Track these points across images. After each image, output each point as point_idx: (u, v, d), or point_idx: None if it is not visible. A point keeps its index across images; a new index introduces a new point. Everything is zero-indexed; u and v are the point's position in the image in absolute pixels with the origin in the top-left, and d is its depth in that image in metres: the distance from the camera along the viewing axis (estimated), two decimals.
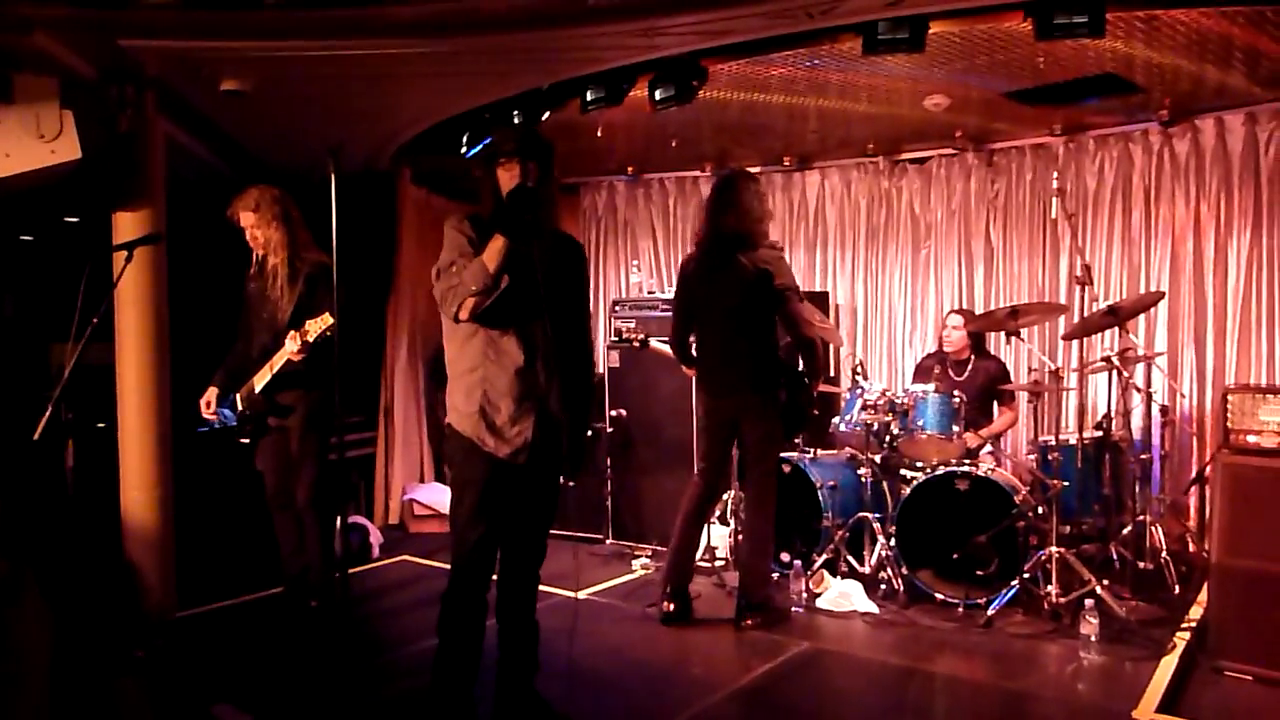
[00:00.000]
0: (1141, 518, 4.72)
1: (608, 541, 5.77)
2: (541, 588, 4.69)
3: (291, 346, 3.88)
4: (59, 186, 4.27)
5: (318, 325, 3.81)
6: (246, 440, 4.17)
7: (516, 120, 4.83)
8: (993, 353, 5.51)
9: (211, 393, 4.16)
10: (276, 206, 4.06)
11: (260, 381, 4.05)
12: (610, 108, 4.57)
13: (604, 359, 5.90)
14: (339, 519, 3.39)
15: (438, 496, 6.32)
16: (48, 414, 3.26)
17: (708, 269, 4.24)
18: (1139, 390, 4.94)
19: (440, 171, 6.67)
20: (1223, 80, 4.86)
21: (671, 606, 4.31)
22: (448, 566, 4.51)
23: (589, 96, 4.52)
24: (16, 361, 5.49)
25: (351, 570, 4.02)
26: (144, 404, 4.28)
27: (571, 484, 3.07)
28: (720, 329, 4.23)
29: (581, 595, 4.70)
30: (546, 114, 4.80)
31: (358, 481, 6.32)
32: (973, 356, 5.30)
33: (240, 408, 4.15)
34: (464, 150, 5.34)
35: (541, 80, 4.64)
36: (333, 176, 2.37)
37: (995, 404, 5.29)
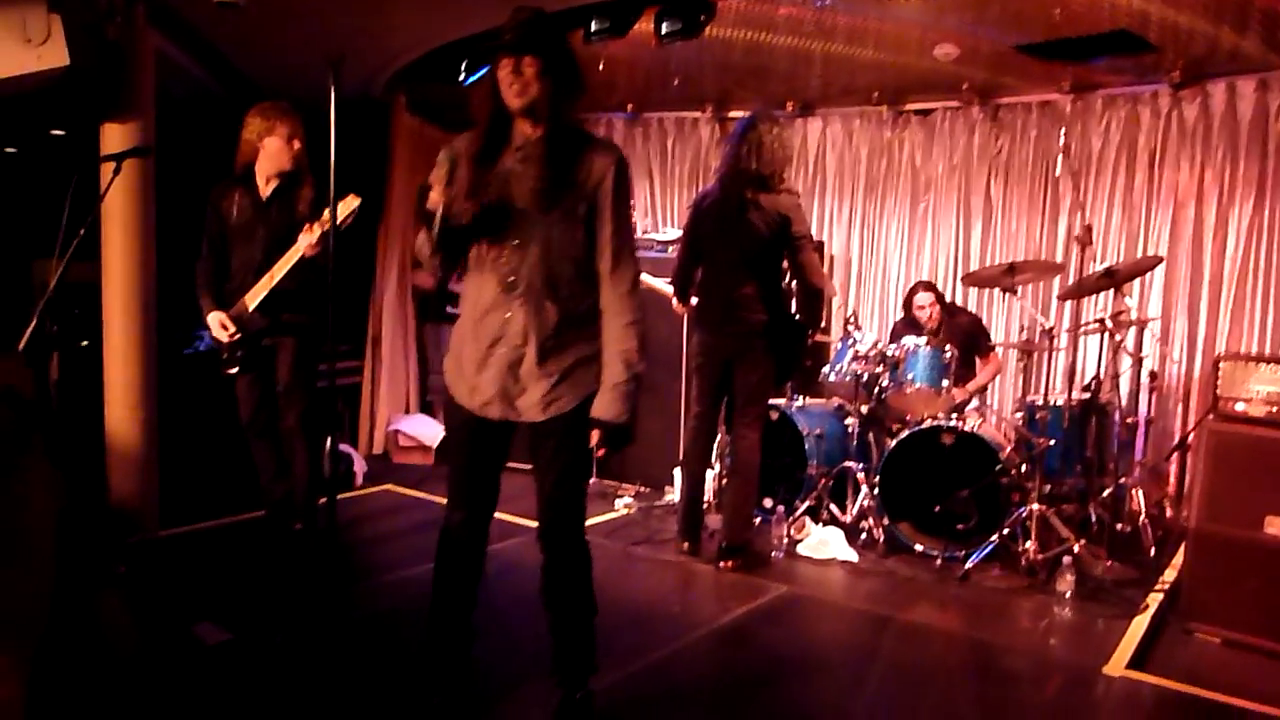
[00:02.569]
0: (1123, 480, 4.76)
1: (592, 480, 5.77)
2: (522, 522, 4.78)
3: (307, 240, 3.76)
4: (44, 97, 4.15)
5: (343, 208, 3.61)
6: (235, 370, 4.03)
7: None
8: (963, 309, 5.49)
9: (220, 316, 3.96)
10: (300, 127, 3.97)
11: (255, 298, 3.92)
12: (614, 39, 4.47)
13: None
14: (328, 444, 3.32)
15: (422, 428, 6.32)
16: (32, 326, 3.20)
17: (724, 208, 4.18)
18: (1129, 354, 4.94)
19: (436, 100, 6.54)
20: (1238, 43, 4.78)
21: (686, 545, 4.43)
22: (430, 497, 4.52)
23: (593, 27, 4.41)
24: (1, 277, 5.41)
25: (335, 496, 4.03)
26: (129, 322, 4.22)
27: (603, 452, 2.50)
28: (729, 269, 4.20)
29: None
30: None
31: (343, 410, 6.30)
32: (944, 318, 5.27)
33: (227, 332, 3.98)
34: (462, 78, 5.23)
35: (545, 6, 4.51)
36: (333, 89, 2.29)
37: (976, 358, 5.29)
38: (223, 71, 5.45)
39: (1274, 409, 3.59)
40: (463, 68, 5.18)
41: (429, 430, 6.33)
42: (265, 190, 4.01)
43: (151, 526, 4.34)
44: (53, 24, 3.86)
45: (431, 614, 2.70)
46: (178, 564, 4.12)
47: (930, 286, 5.43)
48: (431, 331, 6.75)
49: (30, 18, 3.85)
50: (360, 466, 5.69)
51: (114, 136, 4.14)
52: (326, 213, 3.65)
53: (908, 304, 5.44)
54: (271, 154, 3.95)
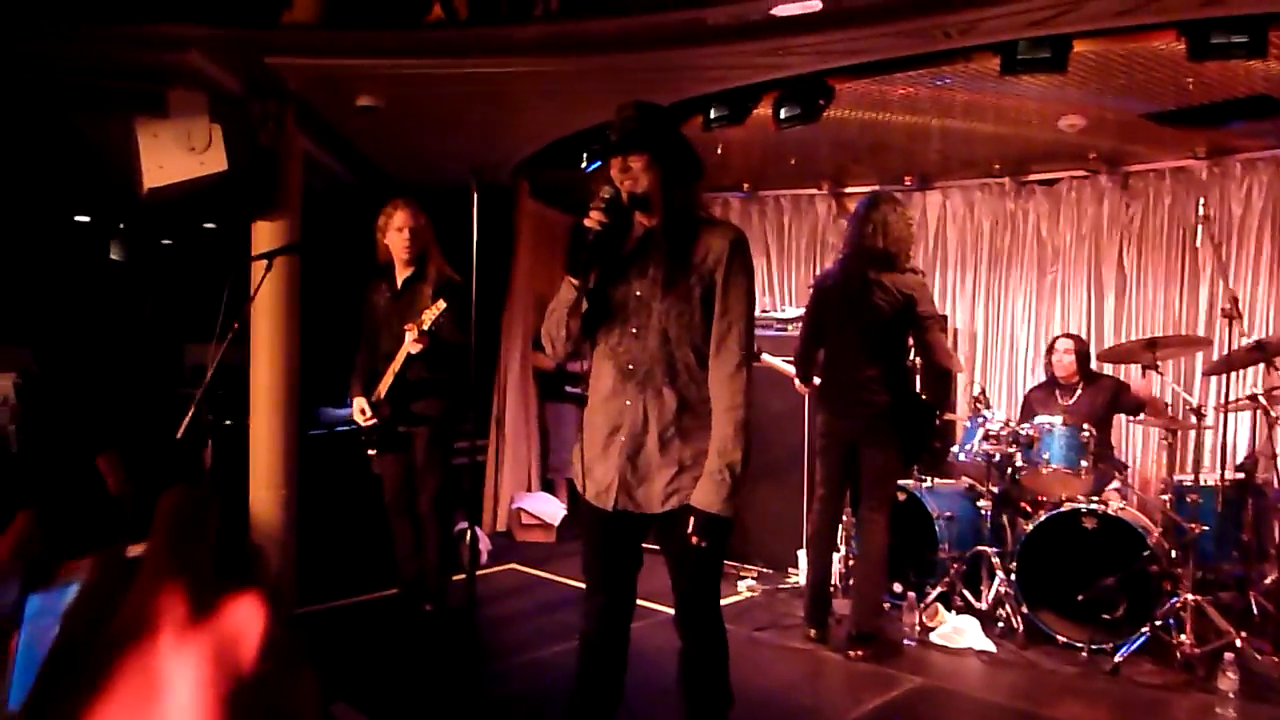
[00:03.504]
0: None
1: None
2: (649, 605, 4.73)
3: (410, 338, 3.93)
4: (199, 196, 4.49)
5: (431, 313, 3.88)
6: (374, 451, 4.22)
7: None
8: (1102, 373, 5.27)
9: (361, 402, 4.17)
10: (428, 223, 4.19)
11: (384, 387, 4.13)
12: (733, 126, 4.55)
13: None
14: (468, 527, 3.41)
15: (545, 506, 6.39)
16: (190, 413, 3.41)
17: (847, 287, 4.16)
18: None
19: (556, 184, 6.77)
20: None
21: (814, 632, 4.32)
22: (554, 576, 4.55)
23: (712, 115, 4.51)
24: (155, 361, 5.80)
25: (463, 577, 4.10)
26: (275, 407, 4.45)
27: (701, 544, 2.40)
28: (852, 349, 4.16)
29: None
30: None
31: (468, 489, 6.43)
32: (1081, 382, 5.08)
33: (364, 416, 4.18)
34: (584, 166, 5.40)
35: (664, 98, 4.63)
36: (475, 194, 2.40)
37: (1122, 418, 5.03)
38: (362, 167, 5.79)
39: None
40: (585, 156, 5.35)
41: (551, 508, 6.40)
42: (399, 282, 4.22)
43: (289, 604, 4.49)
44: (214, 133, 4.20)
45: (573, 702, 2.68)
46: (313, 642, 4.24)
47: (1075, 337, 5.27)
48: (552, 410, 6.88)
49: (194, 127, 4.19)
50: (485, 545, 5.78)
51: (264, 233, 4.43)
52: (425, 313, 3.90)
53: (1049, 356, 5.28)
54: (392, 245, 4.17)
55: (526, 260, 6.57)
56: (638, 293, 2.45)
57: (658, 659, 3.95)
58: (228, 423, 4.91)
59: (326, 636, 4.32)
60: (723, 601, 5.00)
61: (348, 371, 4.36)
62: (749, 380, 2.45)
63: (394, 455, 4.23)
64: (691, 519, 2.39)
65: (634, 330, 2.45)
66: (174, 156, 4.20)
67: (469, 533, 3.53)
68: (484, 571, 5.48)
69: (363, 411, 4.17)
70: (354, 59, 4.04)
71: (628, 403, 2.46)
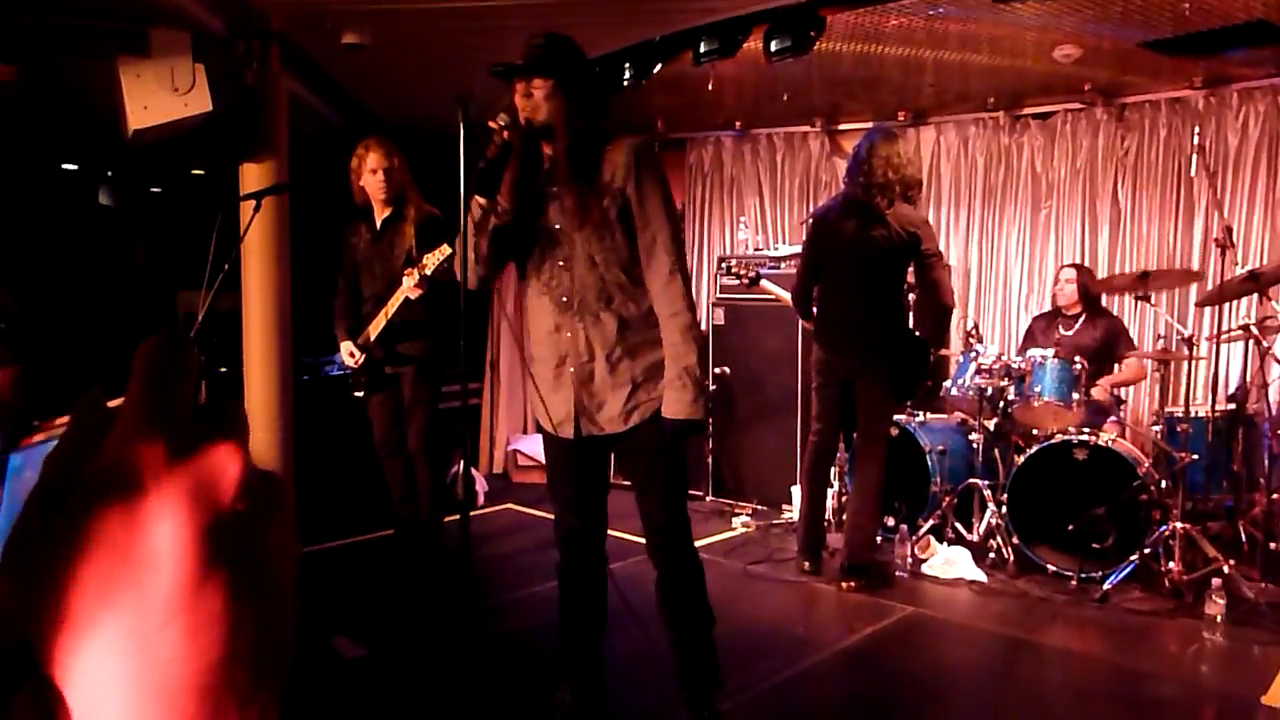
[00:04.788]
0: (1275, 496, 4.47)
1: (708, 499, 5.78)
2: (641, 540, 4.80)
3: (409, 282, 3.93)
4: (187, 140, 4.44)
5: (435, 257, 3.85)
6: (361, 394, 4.24)
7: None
8: (1107, 309, 5.27)
9: (349, 345, 4.19)
10: (401, 160, 4.15)
11: (375, 329, 4.14)
12: (723, 60, 4.49)
13: (708, 316, 5.86)
14: (460, 465, 3.43)
15: (532, 446, 6.43)
16: None
17: (849, 224, 4.14)
18: (1278, 361, 4.65)
19: None
20: None
21: (808, 565, 4.38)
22: (549, 515, 4.58)
23: (702, 48, 4.44)
24: (148, 307, 5.78)
25: (458, 516, 4.16)
26: (268, 349, 4.45)
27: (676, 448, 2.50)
28: (852, 286, 4.15)
29: None
30: (659, 66, 4.74)
31: (464, 430, 6.47)
32: (1086, 312, 5.08)
33: (354, 359, 4.20)
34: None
35: (654, 31, 4.58)
36: (462, 125, 2.37)
37: (1116, 366, 5.06)
38: (349, 109, 5.72)
39: None
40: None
41: (538, 449, 6.44)
42: (378, 222, 4.20)
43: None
44: (197, 73, 4.13)
45: (561, 632, 2.74)
46: (313, 581, 4.29)
47: (1078, 267, 5.27)
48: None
49: (177, 67, 4.13)
50: (482, 486, 5.83)
51: (252, 175, 4.38)
52: (427, 257, 3.86)
53: (1054, 285, 5.31)
54: (369, 186, 4.15)
55: None
56: (556, 225, 2.47)
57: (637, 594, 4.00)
58: (223, 369, 4.92)
59: (325, 575, 4.38)
60: (717, 538, 5.12)
61: (331, 322, 4.35)
62: (687, 282, 2.49)
63: (382, 396, 4.25)
64: (669, 430, 2.44)
65: (561, 262, 2.49)
66: (158, 97, 4.13)
67: (459, 473, 3.55)
68: (480, 512, 5.53)
69: (351, 354, 4.18)
70: None
71: (568, 334, 2.50)
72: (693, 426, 2.45)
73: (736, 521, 5.25)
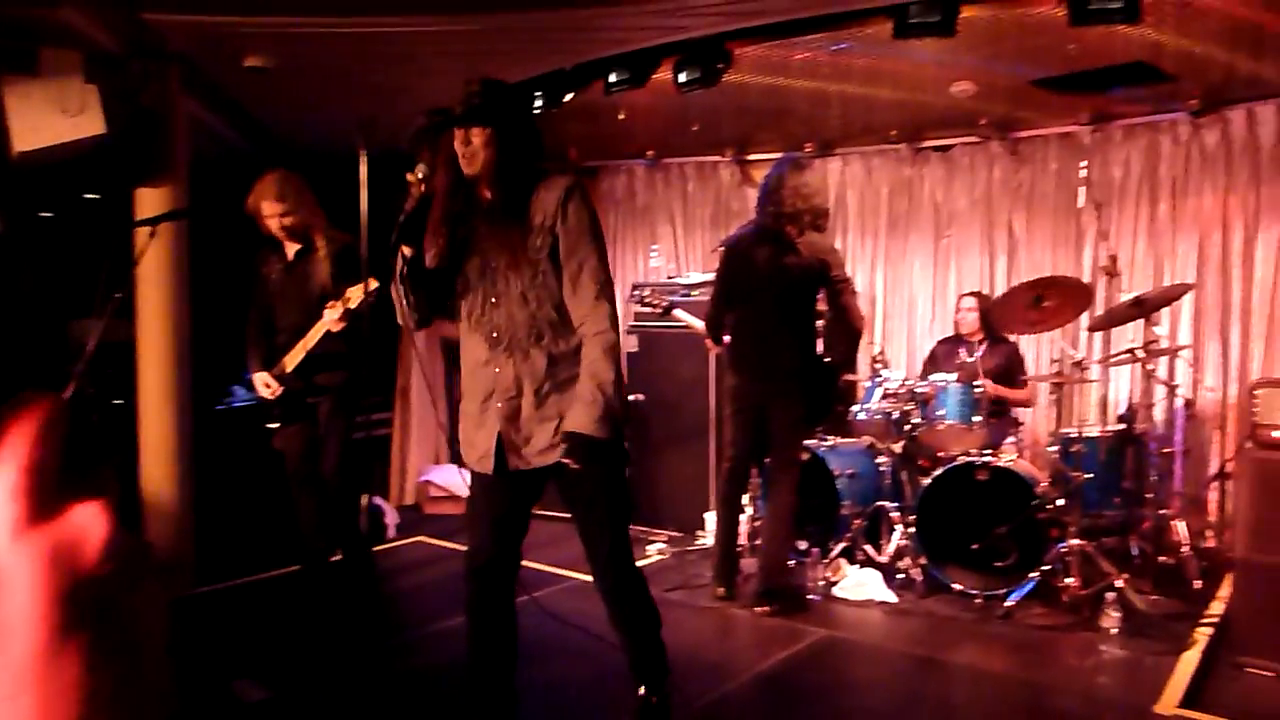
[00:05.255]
0: (1163, 512, 4.68)
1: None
2: (557, 571, 4.76)
3: (331, 315, 3.85)
4: (79, 163, 4.27)
5: (358, 292, 3.79)
6: (276, 425, 4.10)
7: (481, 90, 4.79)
8: (1006, 337, 5.49)
9: (264, 376, 4.05)
10: (305, 192, 4.04)
11: (293, 361, 4.01)
12: (634, 90, 4.54)
13: (622, 343, 5.86)
14: (365, 499, 3.38)
15: (453, 478, 6.33)
16: (71, 388, 3.26)
17: (762, 252, 4.20)
18: (1163, 383, 4.90)
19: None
20: (1255, 70, 4.78)
21: (722, 591, 4.39)
22: (462, 548, 4.53)
23: (612, 78, 4.49)
24: (36, 337, 5.51)
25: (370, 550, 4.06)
26: (164, 381, 4.29)
27: (576, 467, 2.48)
28: (764, 312, 4.21)
29: None
30: (570, 95, 4.77)
31: (374, 462, 6.33)
32: (986, 339, 5.28)
33: (269, 389, 4.06)
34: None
35: (565, 61, 4.61)
36: (363, 152, 2.34)
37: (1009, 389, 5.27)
38: (254, 132, 5.58)
39: None
40: (426, 117, 5.26)
41: (460, 480, 6.33)
42: (290, 254, 4.09)
43: (188, 583, 4.36)
44: (88, 95, 3.99)
45: (469, 669, 2.71)
46: (215, 621, 4.13)
47: (978, 295, 5.48)
48: (459, 381, 6.79)
49: (68, 88, 3.98)
50: (392, 518, 5.70)
51: (148, 200, 4.25)
52: (350, 291, 3.80)
53: (956, 313, 5.53)
54: (269, 227, 4.03)
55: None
56: (491, 264, 2.51)
57: (568, 618, 3.97)
58: (117, 402, 4.71)
59: (227, 615, 4.21)
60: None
61: (233, 351, 4.20)
62: (613, 307, 2.54)
63: (298, 427, 4.11)
64: (573, 448, 2.45)
65: (493, 300, 2.52)
66: (47, 119, 3.98)
67: (369, 507, 3.49)
68: (392, 545, 5.41)
69: (267, 385, 4.04)
70: (239, 16, 3.87)
71: (497, 370, 2.54)
72: (598, 447, 2.44)
73: (652, 549, 5.25)
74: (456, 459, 6.77)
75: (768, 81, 5.14)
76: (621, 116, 5.54)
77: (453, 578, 4.69)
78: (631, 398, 5.73)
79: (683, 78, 4.35)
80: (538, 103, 4.83)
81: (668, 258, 7.12)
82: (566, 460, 2.45)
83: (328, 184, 4.25)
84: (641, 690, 2.83)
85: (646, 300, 5.05)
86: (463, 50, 4.37)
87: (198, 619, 4.11)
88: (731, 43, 4.32)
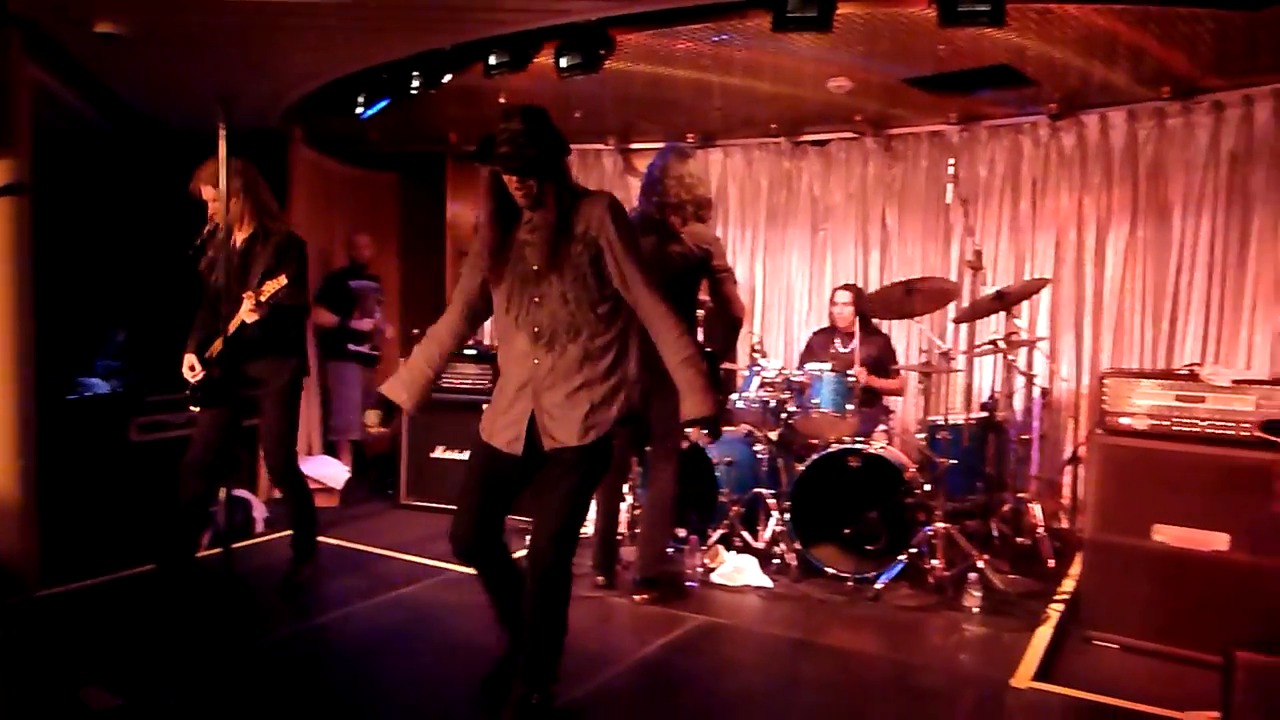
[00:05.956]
0: (1021, 495, 4.92)
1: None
2: (435, 563, 4.68)
3: (246, 305, 3.84)
4: None
5: (273, 285, 3.82)
6: (196, 408, 4.09)
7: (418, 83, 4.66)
8: (878, 328, 5.67)
9: (191, 358, 4.05)
10: (239, 178, 3.96)
11: (218, 347, 3.97)
12: (514, 74, 4.46)
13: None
14: (223, 492, 3.27)
15: (327, 469, 6.13)
16: None
17: (646, 241, 4.15)
18: (1022, 373, 5.14)
19: (335, 133, 6.43)
20: (1108, 77, 5.06)
21: (601, 579, 4.38)
22: (338, 541, 4.43)
23: (492, 61, 4.40)
24: None
25: (234, 546, 3.88)
26: (3, 368, 3.98)
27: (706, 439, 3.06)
28: None
29: (474, 571, 4.62)
30: (448, 77, 4.65)
31: (241, 454, 6.06)
32: (860, 330, 5.44)
33: (193, 373, 4.06)
34: (359, 111, 5.15)
35: (443, 41, 4.49)
36: (223, 127, 2.21)
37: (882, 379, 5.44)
38: (110, 106, 5.24)
39: (1156, 423, 3.77)
40: (360, 101, 5.09)
41: (333, 471, 6.15)
42: (235, 239, 4.06)
43: (32, 585, 4.07)
44: None
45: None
46: (62, 625, 3.87)
47: (851, 288, 5.61)
48: (334, 370, 6.57)
49: None
50: (260, 512, 5.47)
51: None
52: (267, 284, 3.83)
53: (831, 305, 5.64)
54: (212, 209, 4.00)
55: (302, 211, 6.18)
56: (535, 268, 2.76)
57: (438, 615, 3.90)
58: None
59: (76, 618, 3.95)
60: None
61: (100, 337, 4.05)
62: (674, 311, 2.82)
63: (212, 415, 4.08)
64: (700, 428, 2.88)
65: (536, 300, 2.78)
66: None
67: (227, 499, 3.36)
68: (259, 540, 5.20)
69: (191, 367, 4.03)
70: None
71: (536, 361, 2.80)
72: (716, 420, 2.89)
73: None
74: (330, 449, 6.58)
75: (651, 71, 5.14)
76: (502, 100, 5.43)
77: (327, 572, 4.57)
78: None
79: (564, 62, 4.29)
80: (415, 83, 4.70)
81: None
82: (701, 441, 3.00)
83: (187, 162, 4.05)
84: (522, 690, 2.81)
85: None
86: (335, 25, 4.20)
87: (42, 623, 3.85)
88: (614, 29, 4.29)
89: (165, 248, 4.42)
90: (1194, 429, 3.67)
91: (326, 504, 5.98)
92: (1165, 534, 3.64)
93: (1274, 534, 3.42)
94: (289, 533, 4.41)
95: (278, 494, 6.11)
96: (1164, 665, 3.57)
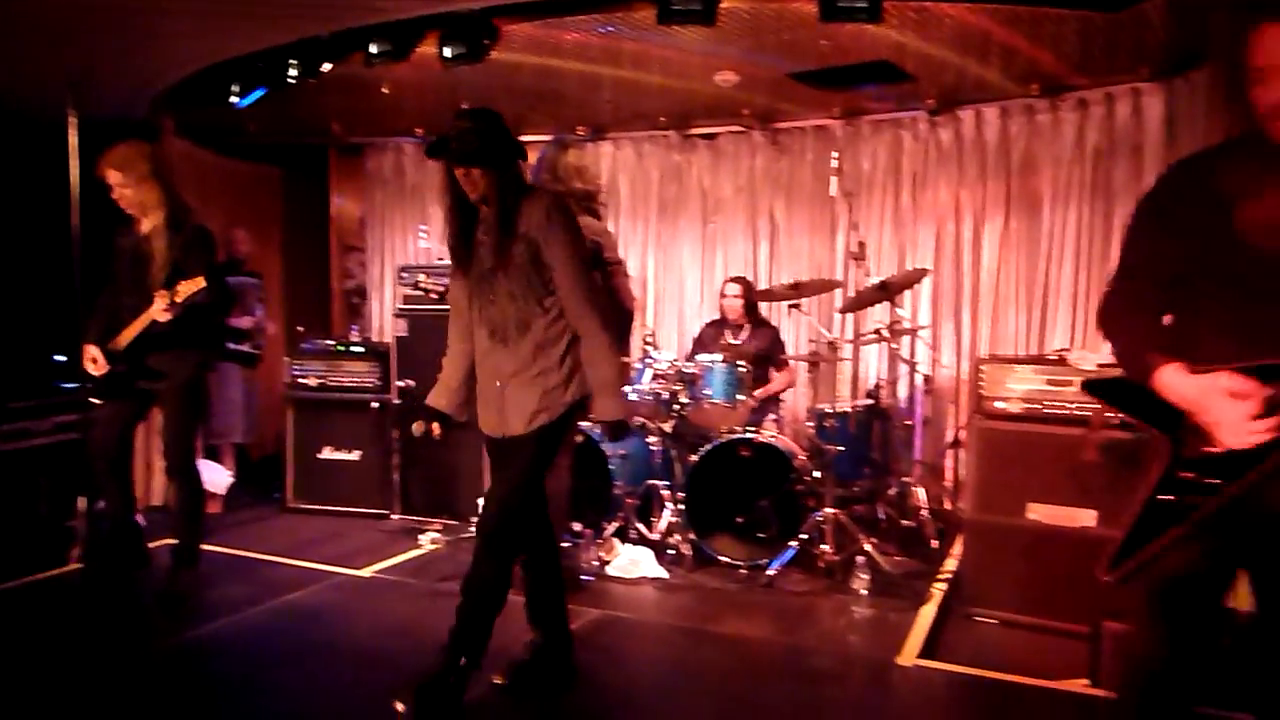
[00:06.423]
0: (905, 479, 5.08)
1: (395, 517, 5.58)
2: (324, 568, 4.55)
3: (159, 305, 3.70)
4: None
5: (189, 287, 3.69)
6: (99, 400, 3.97)
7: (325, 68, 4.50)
8: (768, 320, 5.77)
9: (94, 350, 3.88)
10: (146, 164, 3.85)
11: (125, 341, 3.84)
12: (396, 63, 4.36)
13: (390, 328, 5.68)
14: (83, 502, 3.12)
15: (208, 475, 5.86)
16: None
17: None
18: (905, 361, 5.30)
19: (209, 124, 6.16)
20: (982, 75, 5.25)
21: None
22: (219, 549, 4.29)
23: (373, 50, 4.29)
24: None
25: (109, 557, 3.70)
26: None
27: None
28: None
29: (366, 573, 4.52)
30: (327, 66, 4.51)
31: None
32: (749, 322, 5.52)
33: (95, 365, 3.90)
34: (234, 101, 4.95)
35: (320, 29, 4.35)
36: (72, 114, 2.08)
37: (772, 370, 5.53)
38: None
39: (1030, 406, 3.93)
40: (234, 90, 4.90)
41: (215, 476, 5.89)
42: (144, 227, 3.91)
43: None
44: None
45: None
46: None
47: (741, 280, 5.65)
48: (214, 370, 6.29)
49: None
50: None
51: None
52: (182, 285, 3.70)
53: (721, 298, 5.67)
54: (114, 194, 3.87)
55: None
56: (487, 267, 2.94)
57: (334, 619, 3.80)
58: None
59: None
60: (404, 557, 4.96)
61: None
62: (600, 310, 2.95)
63: (115, 409, 3.97)
64: (605, 429, 3.14)
65: (490, 297, 2.95)
66: None
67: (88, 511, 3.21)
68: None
69: (94, 360, 3.86)
70: None
71: (495, 355, 2.98)
72: (622, 424, 3.05)
73: (425, 539, 5.10)
74: (211, 454, 6.32)
75: (539, 62, 5.10)
76: (386, 90, 5.31)
77: (211, 579, 4.38)
78: (402, 384, 5.54)
79: (448, 52, 4.22)
80: (292, 72, 4.54)
81: (439, 238, 6.93)
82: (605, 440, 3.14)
83: (32, 150, 3.85)
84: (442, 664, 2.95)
85: (420, 285, 4.91)
86: (204, 9, 4.01)
87: None
88: (499, 19, 4.23)
89: (12, 245, 4.19)
90: (1063, 411, 3.84)
91: (210, 510, 5.72)
92: (1039, 512, 3.80)
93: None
94: (169, 542, 4.21)
95: (156, 502, 5.88)
96: (1039, 638, 3.74)
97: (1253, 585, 1.87)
